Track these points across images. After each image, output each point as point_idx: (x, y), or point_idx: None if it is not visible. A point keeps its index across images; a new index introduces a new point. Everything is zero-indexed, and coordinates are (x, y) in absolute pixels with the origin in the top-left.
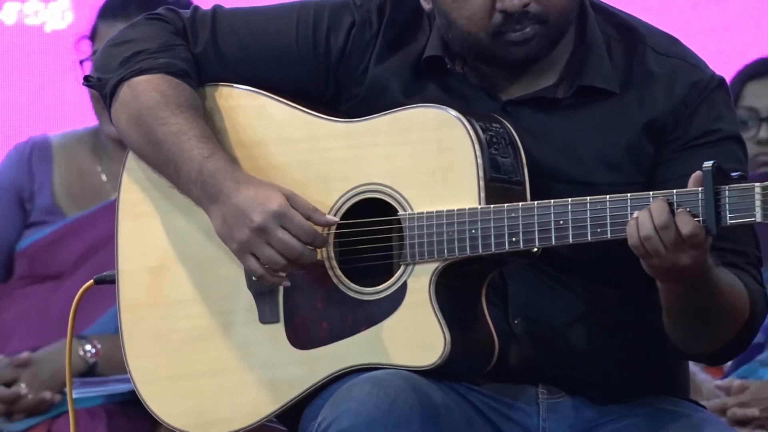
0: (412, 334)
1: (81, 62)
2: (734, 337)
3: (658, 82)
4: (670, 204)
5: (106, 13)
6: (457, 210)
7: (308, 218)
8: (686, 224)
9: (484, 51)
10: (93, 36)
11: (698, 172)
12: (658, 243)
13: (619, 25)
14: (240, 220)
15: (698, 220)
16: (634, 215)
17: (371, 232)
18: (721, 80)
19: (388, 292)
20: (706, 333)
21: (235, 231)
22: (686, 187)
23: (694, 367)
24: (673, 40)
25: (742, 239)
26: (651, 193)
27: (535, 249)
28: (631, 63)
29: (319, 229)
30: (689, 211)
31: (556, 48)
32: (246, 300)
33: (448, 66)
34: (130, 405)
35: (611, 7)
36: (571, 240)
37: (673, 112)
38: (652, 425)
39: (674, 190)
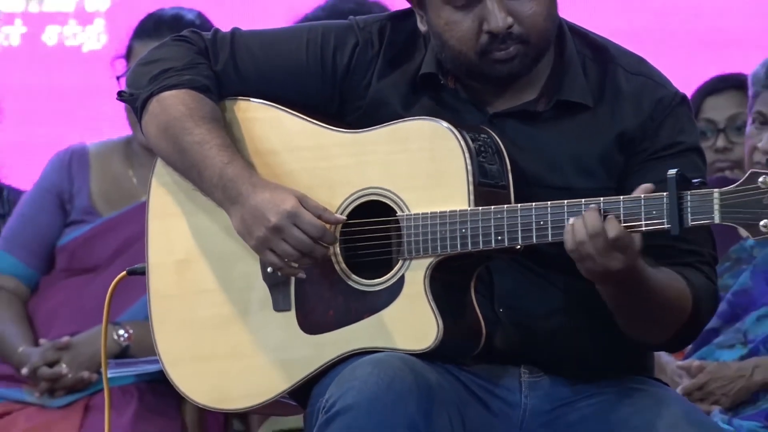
0: (409, 321)
1: (117, 78)
2: (680, 329)
3: (628, 98)
4: (599, 210)
5: (140, 34)
6: (449, 211)
7: (318, 217)
8: (612, 229)
9: (473, 68)
10: (128, 54)
11: (647, 185)
12: (590, 248)
13: (593, 45)
14: (258, 219)
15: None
16: (570, 222)
17: (373, 231)
18: (684, 97)
19: (388, 284)
20: (648, 327)
21: (253, 229)
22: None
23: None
24: (641, 60)
25: (700, 241)
26: (583, 200)
27: (518, 246)
28: (603, 80)
29: (327, 226)
30: (616, 217)
31: (537, 66)
32: (261, 290)
33: (441, 82)
34: (159, 383)
35: (586, 29)
36: (550, 239)
37: (641, 125)
38: (621, 401)
39: (602, 198)
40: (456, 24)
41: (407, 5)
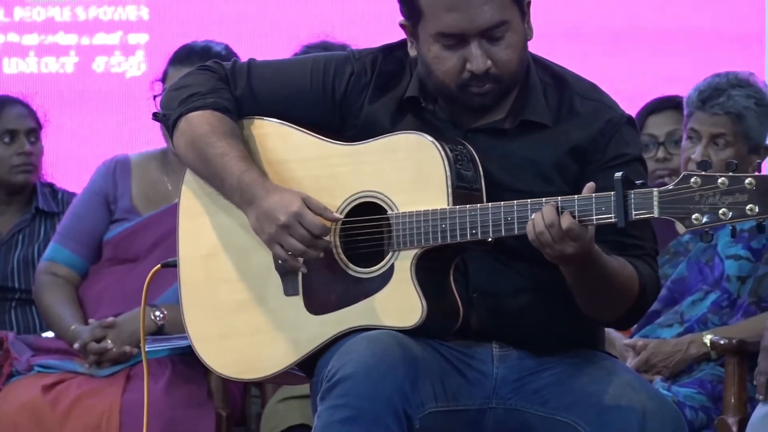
0: (398, 303)
1: (154, 97)
2: (629, 309)
3: (581, 119)
4: (556, 207)
5: (175, 61)
6: (432, 210)
7: (320, 216)
8: (566, 222)
9: (452, 96)
10: (164, 78)
11: (590, 184)
12: (548, 237)
13: (552, 74)
14: (269, 218)
15: (588, 219)
16: (532, 216)
17: (367, 227)
18: (630, 117)
19: (380, 272)
20: (603, 305)
21: (265, 227)
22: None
23: (609, 328)
24: (594, 87)
25: (642, 236)
26: (543, 200)
27: (489, 239)
28: (561, 103)
29: (328, 224)
30: (570, 213)
31: (508, 96)
32: (274, 278)
33: (422, 104)
34: (188, 356)
35: (547, 60)
36: (516, 232)
37: (593, 141)
38: (578, 370)
39: (560, 197)
40: (443, 59)
41: (380, 41)
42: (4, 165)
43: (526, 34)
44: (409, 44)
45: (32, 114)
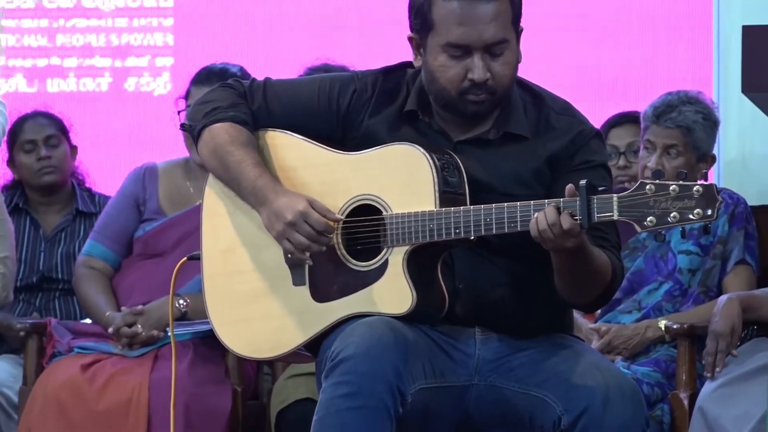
0: (392, 293)
1: (178, 112)
2: (601, 293)
3: (556, 132)
4: (558, 208)
5: (196, 81)
6: (421, 212)
7: (324, 216)
8: (566, 222)
9: (451, 102)
10: (187, 96)
11: (571, 185)
12: (550, 234)
13: (531, 93)
14: (279, 217)
15: (576, 219)
16: (535, 215)
17: (365, 226)
18: (597, 131)
19: (376, 266)
20: (582, 288)
21: (275, 224)
22: (566, 196)
23: (576, 314)
24: (567, 104)
25: (607, 231)
26: (546, 201)
27: (472, 237)
28: (538, 119)
29: (331, 223)
30: (569, 213)
31: (497, 109)
32: (284, 270)
33: (420, 117)
34: (208, 339)
35: (527, 81)
36: (494, 231)
37: (565, 149)
38: (550, 351)
39: (561, 199)
40: (448, 68)
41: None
42: (30, 171)
43: (518, 57)
44: (414, 56)
45: (52, 122)
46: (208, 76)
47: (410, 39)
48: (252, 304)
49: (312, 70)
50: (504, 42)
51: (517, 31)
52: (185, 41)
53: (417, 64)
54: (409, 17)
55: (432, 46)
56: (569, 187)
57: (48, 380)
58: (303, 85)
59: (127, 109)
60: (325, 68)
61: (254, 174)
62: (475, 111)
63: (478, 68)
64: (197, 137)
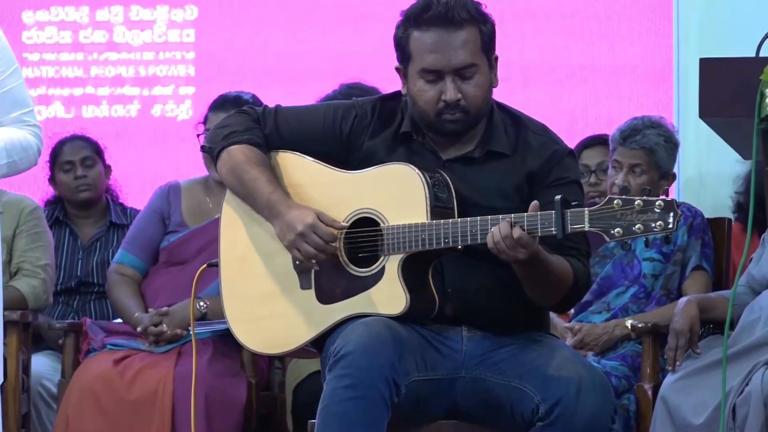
0: (388, 295)
1: (198, 136)
2: (564, 296)
3: (534, 150)
4: (510, 223)
5: (213, 108)
6: (414, 223)
7: (330, 226)
8: (516, 233)
9: (431, 123)
10: (205, 121)
11: (534, 202)
12: (503, 245)
13: (511, 115)
14: (290, 229)
15: (536, 233)
16: (491, 230)
17: (365, 236)
18: (571, 151)
19: (374, 271)
20: (545, 293)
21: (287, 235)
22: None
23: (552, 314)
24: (544, 126)
25: (578, 241)
26: (500, 216)
27: (459, 246)
28: (518, 138)
29: (335, 233)
30: (520, 227)
31: (474, 128)
32: (293, 275)
33: (414, 138)
34: (226, 337)
35: (507, 105)
36: (479, 241)
37: (541, 167)
38: (529, 347)
39: (524, 214)
40: (425, 92)
41: (391, 88)
42: (69, 188)
43: (492, 81)
44: (402, 84)
45: (88, 144)
46: (223, 103)
47: (397, 70)
48: (264, 305)
49: (346, 87)
50: (473, 66)
51: (490, 58)
52: (205, 74)
53: (404, 91)
54: (395, 50)
55: (411, 73)
56: (534, 204)
57: (84, 374)
58: (310, 112)
59: (153, 133)
60: (359, 87)
61: (268, 190)
62: (451, 129)
63: (449, 90)
64: (216, 158)
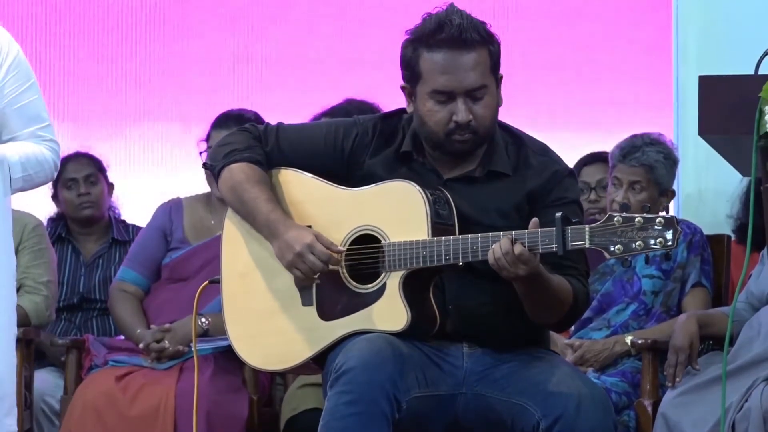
0: (389, 312)
1: (200, 153)
2: (564, 315)
3: (534, 170)
4: (511, 239)
5: (216, 125)
6: (415, 241)
7: (327, 248)
8: (517, 250)
9: (439, 143)
10: (207, 138)
11: (534, 219)
12: (504, 262)
13: (511, 135)
14: (288, 248)
15: (535, 248)
16: (492, 246)
17: (366, 253)
18: (571, 170)
19: (375, 288)
20: (544, 312)
21: (286, 255)
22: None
23: (551, 331)
24: (544, 146)
25: (577, 260)
26: (501, 233)
27: (460, 263)
28: (518, 158)
29: (334, 254)
30: (521, 243)
31: (482, 147)
32: (294, 292)
33: (414, 157)
34: (227, 353)
35: (507, 124)
36: (480, 257)
37: (542, 187)
38: (529, 364)
39: (525, 231)
40: (435, 112)
41: (391, 106)
42: (72, 205)
43: (498, 101)
44: (406, 103)
45: (91, 162)
46: (225, 120)
47: (403, 88)
48: (266, 322)
49: (350, 101)
50: (483, 87)
51: (497, 78)
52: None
53: (410, 110)
54: (401, 69)
55: (420, 93)
56: (534, 221)
57: (86, 390)
58: (311, 130)
59: (157, 152)
60: (361, 106)
61: (267, 209)
62: (460, 149)
63: (461, 111)
64: (218, 175)
